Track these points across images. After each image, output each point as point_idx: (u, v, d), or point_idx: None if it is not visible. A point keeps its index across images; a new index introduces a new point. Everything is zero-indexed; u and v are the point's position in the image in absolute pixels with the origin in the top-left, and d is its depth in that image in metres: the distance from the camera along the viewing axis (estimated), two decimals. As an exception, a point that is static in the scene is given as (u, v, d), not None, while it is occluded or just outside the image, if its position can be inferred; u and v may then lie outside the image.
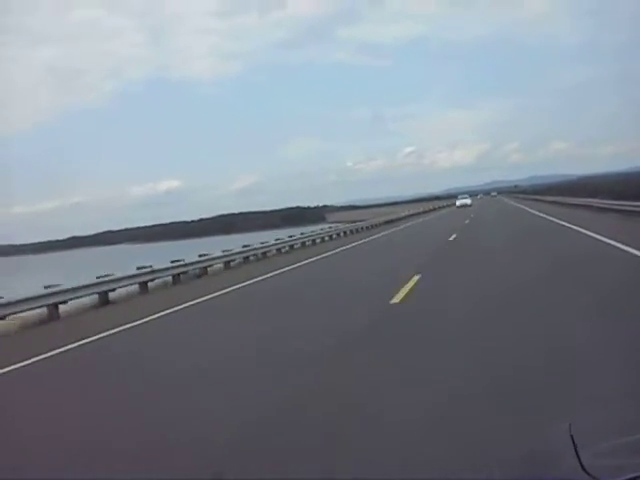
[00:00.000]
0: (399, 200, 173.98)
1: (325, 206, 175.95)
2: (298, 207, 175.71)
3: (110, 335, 10.39)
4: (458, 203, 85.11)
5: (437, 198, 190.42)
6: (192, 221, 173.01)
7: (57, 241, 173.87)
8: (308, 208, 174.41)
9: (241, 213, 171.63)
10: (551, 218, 27.45)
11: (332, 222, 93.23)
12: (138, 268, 17.16)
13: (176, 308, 12.70)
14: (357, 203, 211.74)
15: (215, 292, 14.61)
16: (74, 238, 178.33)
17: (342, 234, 38.10)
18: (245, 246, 23.73)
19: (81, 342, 9.81)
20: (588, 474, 1.49)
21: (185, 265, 19.16)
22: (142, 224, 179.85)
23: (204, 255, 20.68)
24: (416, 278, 12.29)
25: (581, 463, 1.55)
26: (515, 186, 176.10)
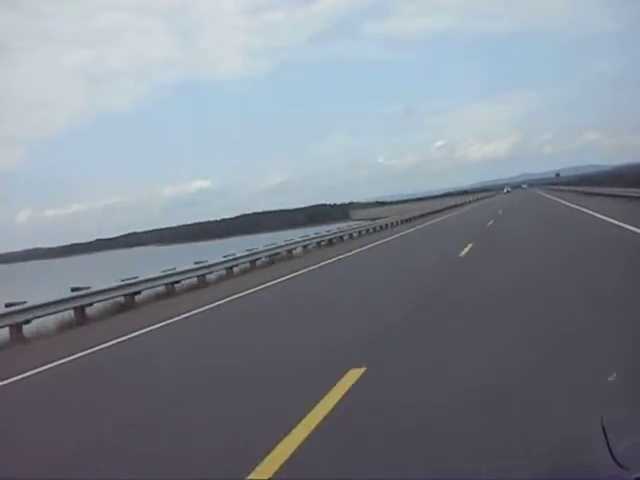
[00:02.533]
0: (429, 195, 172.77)
1: (351, 203, 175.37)
2: (323, 205, 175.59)
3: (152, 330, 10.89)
4: (504, 191, 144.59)
5: (466, 192, 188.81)
6: (216, 221, 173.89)
7: (82, 244, 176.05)
8: (333, 205, 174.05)
9: (264, 212, 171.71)
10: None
11: (356, 219, 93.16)
12: (163, 271, 17.27)
13: (203, 308, 12.79)
14: (386, 199, 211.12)
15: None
16: (99, 241, 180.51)
17: (364, 232, 37.20)
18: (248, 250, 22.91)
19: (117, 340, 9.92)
20: (620, 466, 1.48)
21: (209, 266, 19.25)
22: (170, 224, 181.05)
23: (228, 256, 20.80)
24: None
25: (613, 455, 1.54)
26: (557, 175, 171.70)
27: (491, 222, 29.61)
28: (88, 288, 14.44)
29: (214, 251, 26.73)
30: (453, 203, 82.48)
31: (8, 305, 12.70)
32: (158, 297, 16.62)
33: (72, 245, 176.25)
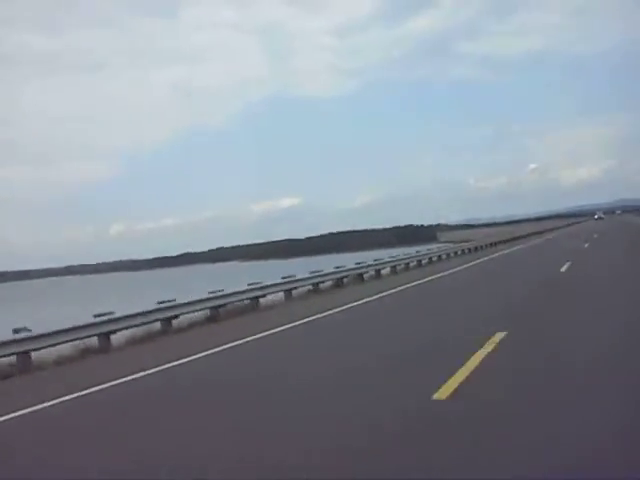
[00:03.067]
0: (519, 219, 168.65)
1: (438, 225, 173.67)
2: (410, 225, 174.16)
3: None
4: (595, 216, 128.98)
5: (559, 216, 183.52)
6: (302, 239, 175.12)
7: (170, 257, 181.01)
8: (420, 227, 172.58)
9: (351, 232, 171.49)
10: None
11: (443, 242, 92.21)
12: (249, 284, 17.43)
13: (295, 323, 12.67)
14: (475, 221, 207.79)
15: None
16: (186, 254, 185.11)
17: (452, 254, 36.81)
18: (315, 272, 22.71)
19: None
20: None
21: (295, 281, 19.55)
22: (257, 241, 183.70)
23: (315, 272, 21.09)
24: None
25: None
26: None
27: (566, 266, 20.32)
28: (173, 300, 14.65)
29: (299, 268, 26.85)
30: (540, 229, 79.90)
31: (97, 315, 12.93)
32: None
33: (161, 258, 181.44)
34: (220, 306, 15.73)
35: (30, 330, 11.48)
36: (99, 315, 12.87)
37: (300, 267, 34.32)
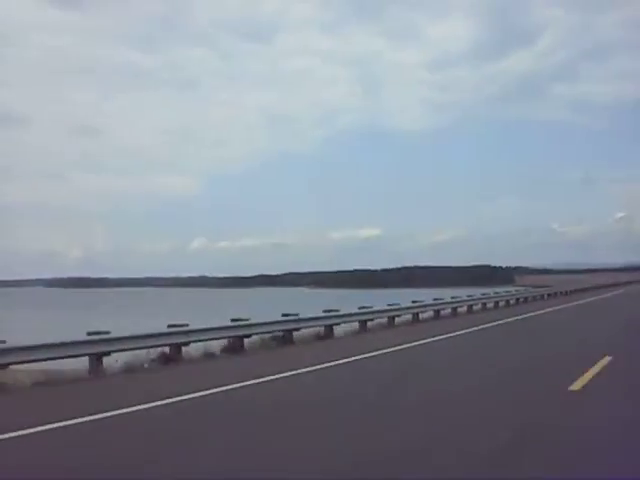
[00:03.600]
0: (600, 268, 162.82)
1: (518, 267, 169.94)
2: (487, 266, 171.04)
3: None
4: None
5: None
6: (375, 270, 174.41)
7: (245, 278, 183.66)
8: (498, 268, 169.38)
9: (425, 267, 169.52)
10: None
11: (519, 285, 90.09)
12: (325, 311, 17.43)
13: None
14: (555, 267, 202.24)
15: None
16: (261, 276, 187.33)
17: (530, 298, 35.84)
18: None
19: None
20: None
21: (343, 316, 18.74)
22: (330, 269, 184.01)
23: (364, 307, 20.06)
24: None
25: None
26: None
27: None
28: (248, 319, 14.74)
29: (368, 300, 26.49)
30: (620, 280, 76.76)
31: (170, 326, 13.12)
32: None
33: (233, 278, 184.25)
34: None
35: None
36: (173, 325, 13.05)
37: (369, 299, 34.04)
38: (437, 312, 23.60)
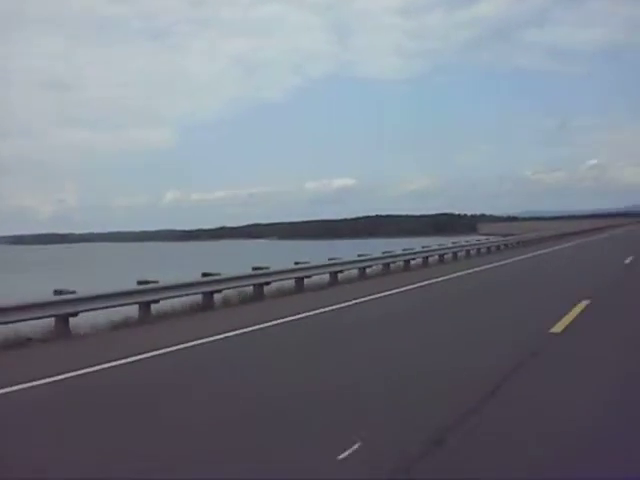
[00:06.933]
0: (575, 214, 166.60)
1: (483, 215, 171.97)
2: (450, 214, 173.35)
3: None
4: None
5: (611, 215, 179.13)
6: (339, 220, 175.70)
7: (206, 230, 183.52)
8: (461, 216, 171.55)
9: (387, 216, 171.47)
10: None
11: (483, 234, 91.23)
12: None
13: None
14: (529, 214, 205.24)
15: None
16: (223, 228, 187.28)
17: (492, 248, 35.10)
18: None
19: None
20: None
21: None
22: (296, 219, 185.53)
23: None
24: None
25: None
26: None
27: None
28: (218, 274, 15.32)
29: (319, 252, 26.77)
30: (591, 226, 78.64)
31: (140, 282, 13.35)
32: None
33: (197, 230, 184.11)
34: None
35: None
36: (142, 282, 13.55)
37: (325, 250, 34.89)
38: (407, 262, 24.33)
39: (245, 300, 15.50)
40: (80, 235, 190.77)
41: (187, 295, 14.36)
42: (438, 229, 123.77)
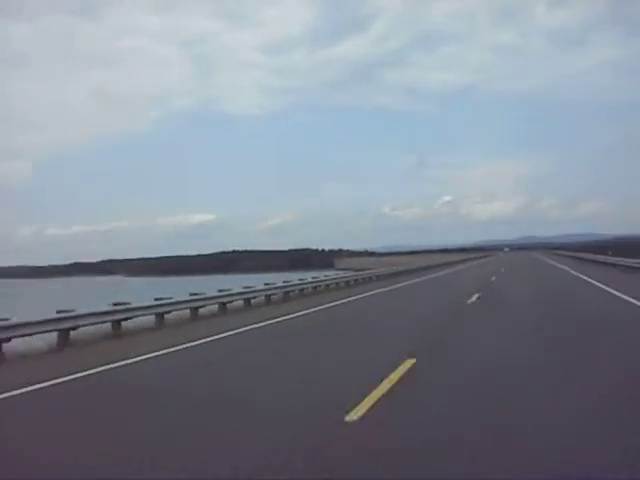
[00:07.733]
0: (427, 249, 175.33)
1: (340, 250, 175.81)
2: (307, 249, 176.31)
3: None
4: (506, 249, 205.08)
5: (465, 250, 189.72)
6: (192, 256, 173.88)
7: (58, 266, 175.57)
8: (319, 251, 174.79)
9: (245, 251, 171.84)
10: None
11: (340, 269, 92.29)
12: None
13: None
14: (385, 249, 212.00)
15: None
16: (77, 264, 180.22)
17: (343, 284, 35.13)
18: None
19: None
20: None
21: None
22: (152, 255, 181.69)
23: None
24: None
25: None
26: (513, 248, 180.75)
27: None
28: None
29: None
30: (445, 260, 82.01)
31: None
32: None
33: (49, 267, 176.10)
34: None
35: None
36: None
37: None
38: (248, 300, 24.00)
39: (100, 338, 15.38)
40: None
41: (41, 332, 13.94)
42: (294, 265, 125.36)
